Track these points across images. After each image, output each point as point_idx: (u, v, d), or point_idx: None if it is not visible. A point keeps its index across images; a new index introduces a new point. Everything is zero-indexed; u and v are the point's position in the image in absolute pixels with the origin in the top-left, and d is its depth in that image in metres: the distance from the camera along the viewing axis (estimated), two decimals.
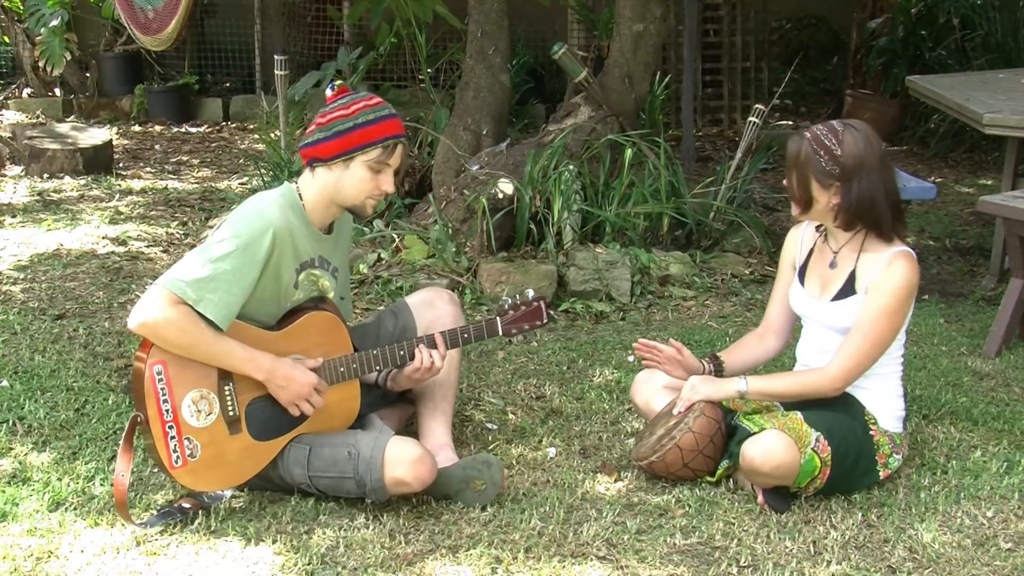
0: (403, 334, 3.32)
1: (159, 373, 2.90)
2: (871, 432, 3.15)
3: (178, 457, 2.92)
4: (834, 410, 3.13)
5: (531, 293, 3.27)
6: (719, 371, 3.35)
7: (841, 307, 3.15)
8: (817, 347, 3.25)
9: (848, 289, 3.15)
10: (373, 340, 3.31)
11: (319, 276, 3.12)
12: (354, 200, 3.06)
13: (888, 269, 3.07)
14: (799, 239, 3.35)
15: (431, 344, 3.17)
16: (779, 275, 3.42)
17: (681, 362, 3.32)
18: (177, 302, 2.86)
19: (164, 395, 2.90)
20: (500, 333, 3.24)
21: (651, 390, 3.40)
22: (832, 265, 3.20)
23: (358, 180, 3.02)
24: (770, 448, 2.97)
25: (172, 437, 2.91)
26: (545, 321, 3.28)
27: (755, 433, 3.05)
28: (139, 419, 2.92)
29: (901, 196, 3.18)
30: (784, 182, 3.14)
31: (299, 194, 3.07)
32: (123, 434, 2.97)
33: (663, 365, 3.33)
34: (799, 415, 3.09)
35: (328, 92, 3.08)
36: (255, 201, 3.03)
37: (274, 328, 3.06)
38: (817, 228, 3.29)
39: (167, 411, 2.90)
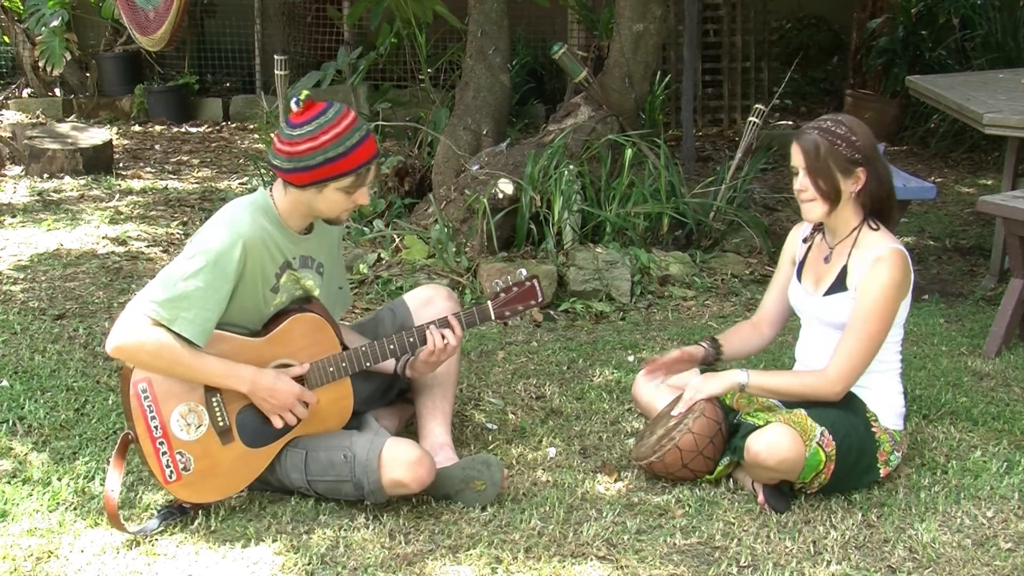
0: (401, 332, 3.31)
1: (144, 391, 2.89)
2: (873, 429, 3.16)
3: (172, 472, 2.91)
4: (837, 407, 3.13)
5: (523, 273, 3.24)
6: (718, 354, 3.39)
7: (832, 302, 3.17)
8: (814, 344, 3.26)
9: (839, 284, 3.17)
10: (371, 338, 3.28)
11: (301, 276, 3.07)
12: (329, 215, 3.03)
13: (872, 268, 3.10)
14: (800, 236, 3.39)
15: (444, 325, 3.15)
16: (778, 269, 3.46)
17: (685, 357, 3.35)
18: (152, 324, 2.83)
19: (151, 412, 2.89)
20: (492, 317, 3.21)
21: (653, 388, 3.41)
22: (826, 260, 3.23)
23: (332, 202, 2.98)
24: (775, 441, 2.98)
25: (164, 453, 2.90)
26: (540, 300, 3.24)
27: (759, 427, 3.06)
28: (130, 436, 2.92)
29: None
30: (798, 186, 3.14)
31: (273, 200, 3.02)
32: (115, 450, 2.96)
33: (671, 368, 3.36)
34: (803, 411, 3.10)
35: (293, 107, 2.91)
36: (225, 212, 2.98)
37: (259, 334, 3.03)
38: (816, 227, 3.31)
39: (156, 427, 2.89)
